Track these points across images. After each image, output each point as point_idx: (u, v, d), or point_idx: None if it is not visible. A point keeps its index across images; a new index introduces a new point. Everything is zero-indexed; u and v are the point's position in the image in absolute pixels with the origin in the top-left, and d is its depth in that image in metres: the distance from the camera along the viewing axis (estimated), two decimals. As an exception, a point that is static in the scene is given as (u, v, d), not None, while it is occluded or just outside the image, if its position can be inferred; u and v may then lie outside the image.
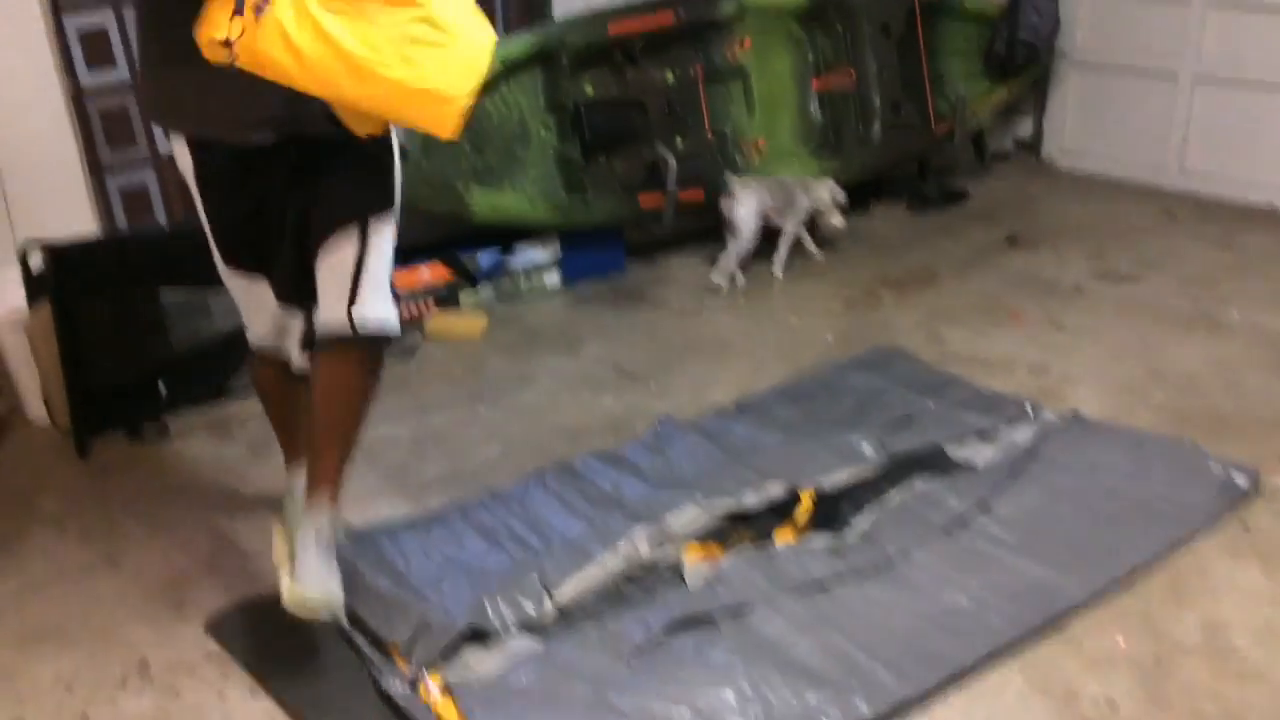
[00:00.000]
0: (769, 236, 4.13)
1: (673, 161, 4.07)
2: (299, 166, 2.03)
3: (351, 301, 2.04)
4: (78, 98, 3.33)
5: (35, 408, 3.07)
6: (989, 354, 3.47)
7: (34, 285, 2.91)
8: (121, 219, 3.53)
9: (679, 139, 4.22)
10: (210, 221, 2.12)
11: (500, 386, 3.32)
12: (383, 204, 2.09)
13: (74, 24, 3.29)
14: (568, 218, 3.96)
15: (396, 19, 1.75)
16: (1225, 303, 3.81)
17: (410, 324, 3.65)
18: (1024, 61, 5.02)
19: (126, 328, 3.02)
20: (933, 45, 4.94)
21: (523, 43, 3.87)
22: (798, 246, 4.25)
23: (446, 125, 1.83)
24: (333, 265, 2.05)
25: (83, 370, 2.92)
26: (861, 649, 2.07)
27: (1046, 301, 3.88)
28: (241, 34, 1.70)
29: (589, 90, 4.02)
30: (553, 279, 4.07)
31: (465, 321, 3.74)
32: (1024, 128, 5.69)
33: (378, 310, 2.06)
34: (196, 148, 2.05)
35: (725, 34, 4.34)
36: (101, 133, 3.40)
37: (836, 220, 4.25)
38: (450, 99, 1.81)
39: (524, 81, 3.91)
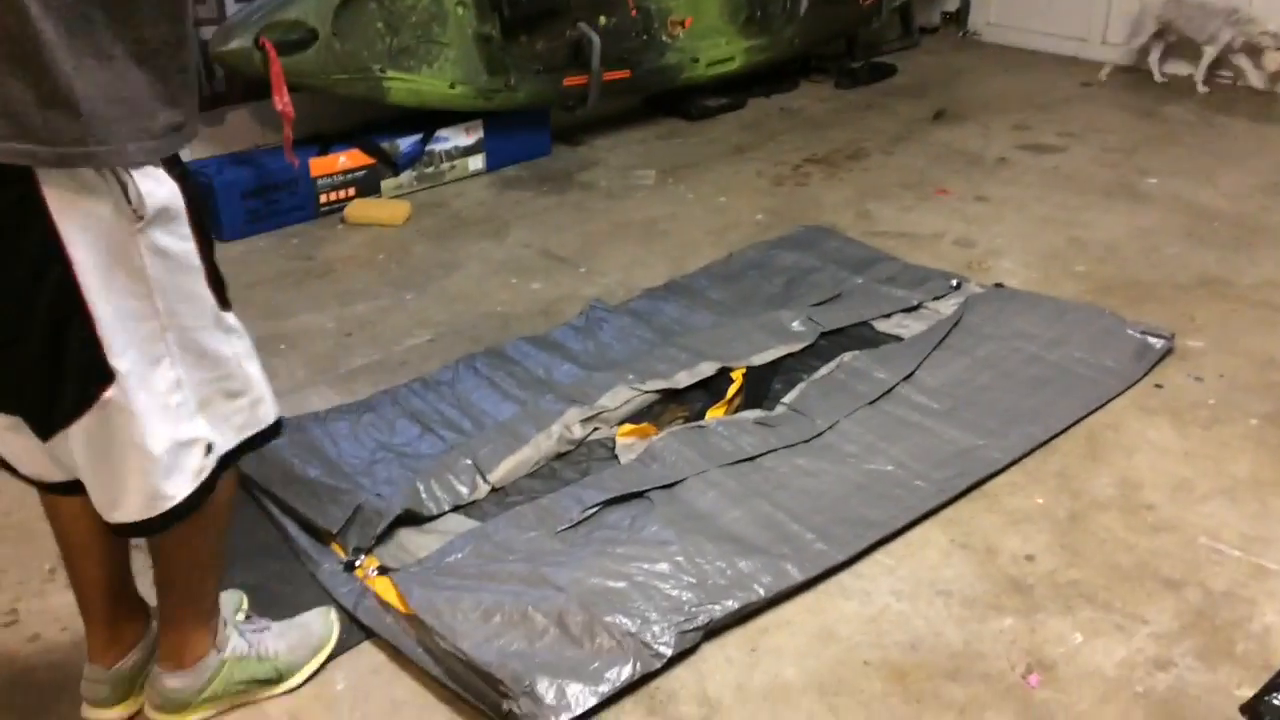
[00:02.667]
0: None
1: (596, 40, 3.98)
2: None
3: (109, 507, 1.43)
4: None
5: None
6: (916, 228, 3.49)
7: None
8: None
9: (602, 17, 4.11)
10: None
11: (427, 273, 3.27)
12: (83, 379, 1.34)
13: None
14: (490, 101, 3.86)
15: None
16: (1144, 172, 3.87)
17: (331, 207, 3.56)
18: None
19: None
20: (859, -84, 4.85)
21: (436, -85, 3.71)
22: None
23: None
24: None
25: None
26: (791, 517, 2.12)
27: (972, 174, 3.90)
28: None
29: (507, -35, 3.88)
30: (477, 163, 3.99)
31: (388, 208, 3.66)
32: (950, 2, 5.64)
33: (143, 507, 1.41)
34: None
35: (647, -94, 4.20)
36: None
37: (1272, 63, 4.44)
38: None
39: (439, -43, 3.76)
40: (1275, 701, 1.34)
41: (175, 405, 1.38)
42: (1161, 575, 2.02)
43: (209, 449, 1.43)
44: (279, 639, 1.77)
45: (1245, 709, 1.36)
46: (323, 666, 1.80)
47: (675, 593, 1.91)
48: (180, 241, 1.33)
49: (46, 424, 1.37)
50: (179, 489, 1.41)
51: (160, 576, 1.60)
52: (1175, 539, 2.11)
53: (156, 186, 1.28)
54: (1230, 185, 3.74)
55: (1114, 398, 2.52)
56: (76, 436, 1.36)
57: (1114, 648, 1.86)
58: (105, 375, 1.31)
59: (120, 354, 1.31)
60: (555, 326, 2.87)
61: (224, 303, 1.43)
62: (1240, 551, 2.07)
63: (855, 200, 3.72)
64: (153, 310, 1.32)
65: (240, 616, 1.83)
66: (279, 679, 1.75)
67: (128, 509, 1.41)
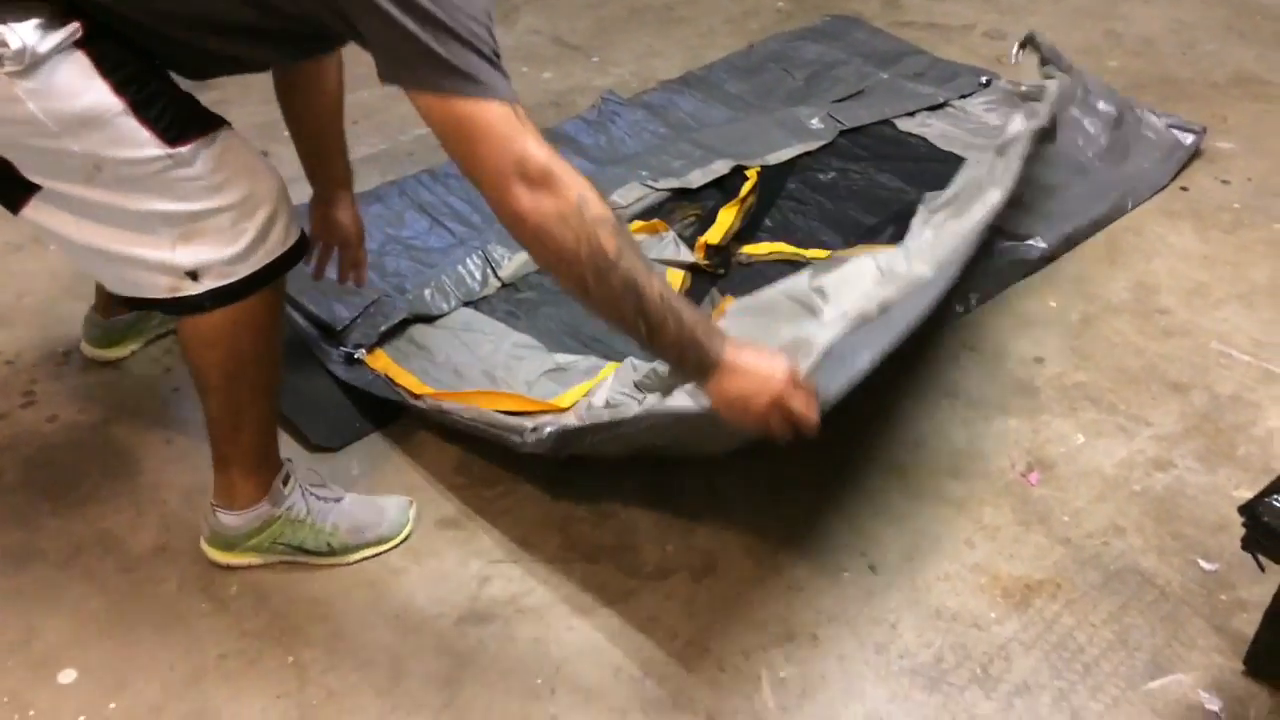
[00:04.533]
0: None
1: None
2: None
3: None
4: None
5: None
6: (946, 19, 3.33)
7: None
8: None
9: None
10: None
11: (434, 61, 3.15)
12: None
13: None
14: (499, -128, 3.63)
15: None
16: (1191, -39, 3.66)
17: None
18: None
19: None
20: None
21: None
22: None
23: None
24: None
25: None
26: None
27: (1007, -39, 3.70)
28: None
29: None
30: (486, -57, 3.78)
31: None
32: None
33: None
34: None
35: None
36: None
37: None
38: None
39: None
40: (1275, 502, 1.35)
41: (132, 227, 1.37)
42: (1169, 379, 2.02)
43: (193, 275, 1.39)
44: (345, 515, 1.68)
45: (1244, 509, 1.37)
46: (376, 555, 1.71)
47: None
48: (81, 84, 1.27)
49: (7, 204, 1.41)
50: (137, 290, 1.43)
51: (205, 413, 1.57)
52: (1186, 343, 2.10)
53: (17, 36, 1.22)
54: (1280, -24, 3.54)
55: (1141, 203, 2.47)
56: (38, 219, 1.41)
57: (1115, 448, 1.88)
58: (28, 186, 1.35)
59: (36, 174, 1.34)
60: (567, 119, 2.79)
61: (177, 138, 1.33)
62: (1250, 357, 2.07)
63: (882, -12, 3.54)
64: (67, 148, 1.29)
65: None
66: (330, 554, 1.67)
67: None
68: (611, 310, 1.25)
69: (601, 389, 1.83)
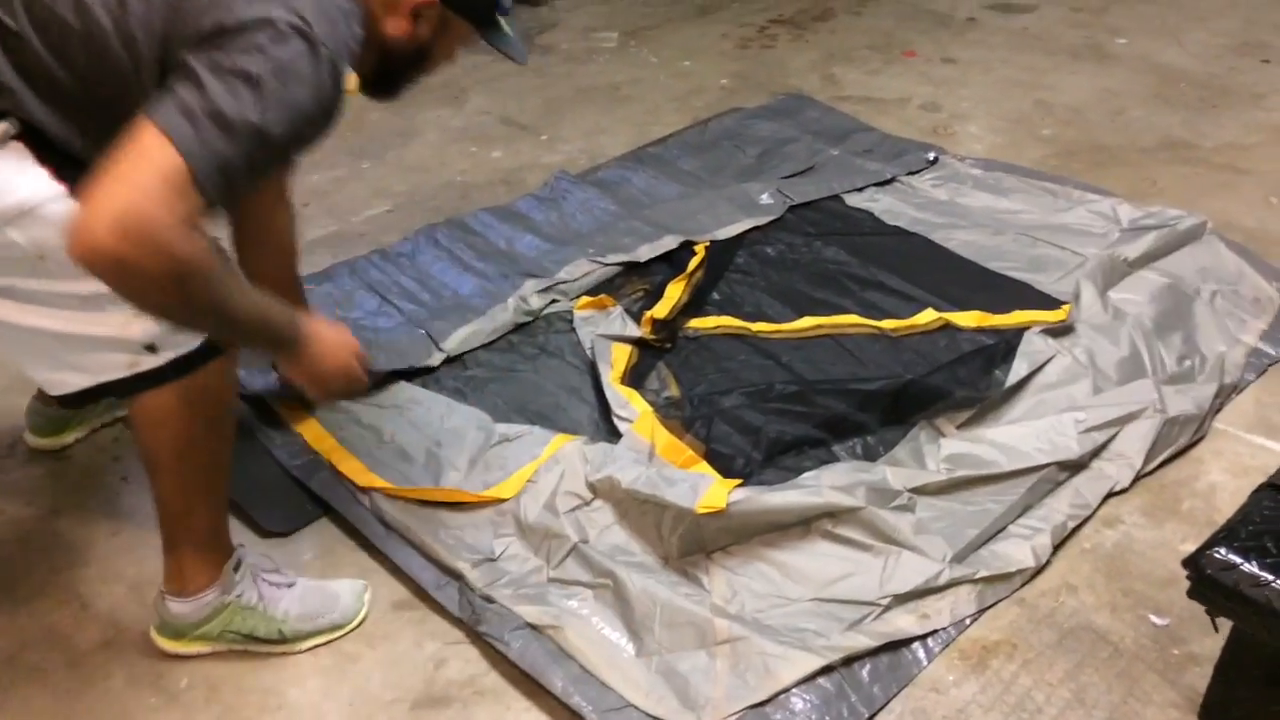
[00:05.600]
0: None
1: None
2: None
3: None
4: None
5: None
6: (882, 92, 3.43)
7: None
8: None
9: None
10: None
11: (383, 141, 3.19)
12: None
13: None
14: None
15: None
16: (1114, 32, 3.81)
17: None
18: None
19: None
20: None
21: None
22: None
23: None
24: None
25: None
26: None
27: (940, 35, 3.83)
28: None
29: None
30: (433, 27, 3.85)
31: (342, 76, 3.54)
32: None
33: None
34: None
35: None
36: None
37: None
38: None
39: None
40: (1217, 555, 1.38)
41: (81, 308, 1.35)
42: (1113, 437, 2.06)
43: (151, 348, 1.38)
44: (297, 601, 1.65)
45: (1187, 563, 1.40)
46: (329, 641, 1.68)
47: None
48: (18, 175, 1.27)
49: None
50: (94, 375, 1.40)
51: (154, 495, 1.55)
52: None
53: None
54: (1199, 45, 3.69)
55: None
56: None
57: (1064, 507, 1.91)
58: None
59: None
60: (517, 196, 2.83)
61: None
62: (1190, 413, 2.11)
63: (821, 64, 3.64)
64: (10, 240, 1.28)
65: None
66: (281, 641, 1.64)
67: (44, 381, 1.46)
68: (187, 316, 1.26)
69: (546, 473, 1.84)
